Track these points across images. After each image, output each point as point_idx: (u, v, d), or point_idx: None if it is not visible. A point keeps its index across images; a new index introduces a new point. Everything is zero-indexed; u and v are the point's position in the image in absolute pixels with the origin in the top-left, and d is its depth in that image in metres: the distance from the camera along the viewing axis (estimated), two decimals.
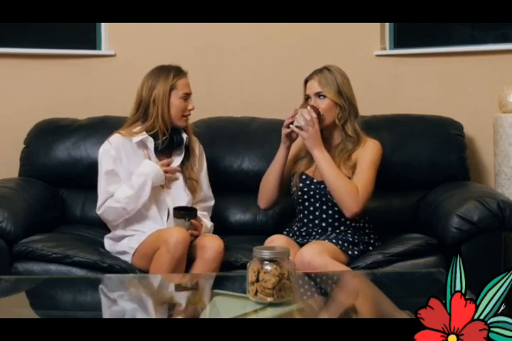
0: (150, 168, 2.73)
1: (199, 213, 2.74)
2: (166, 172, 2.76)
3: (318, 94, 2.73)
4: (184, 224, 2.62)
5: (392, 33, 3.61)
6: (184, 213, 2.64)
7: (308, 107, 2.67)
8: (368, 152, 2.73)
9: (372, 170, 2.70)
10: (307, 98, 2.77)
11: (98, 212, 2.79)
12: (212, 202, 2.95)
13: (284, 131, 2.72)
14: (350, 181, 2.65)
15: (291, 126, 2.68)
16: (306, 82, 2.79)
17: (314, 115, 2.65)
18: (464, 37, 3.62)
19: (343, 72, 2.78)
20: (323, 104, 2.72)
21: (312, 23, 3.23)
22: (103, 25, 3.58)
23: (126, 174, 2.76)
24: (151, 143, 2.76)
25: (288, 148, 2.77)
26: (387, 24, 3.59)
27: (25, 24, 3.40)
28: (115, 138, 2.79)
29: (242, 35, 3.53)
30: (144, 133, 2.76)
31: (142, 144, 2.78)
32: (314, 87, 2.74)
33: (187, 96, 2.80)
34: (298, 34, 3.52)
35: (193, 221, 2.65)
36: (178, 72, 2.80)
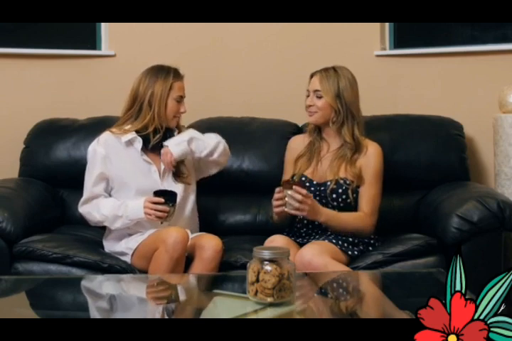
0: (136, 213, 2.68)
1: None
2: (148, 214, 2.64)
3: (316, 93, 2.74)
4: (168, 210, 2.61)
5: (392, 33, 3.60)
6: (166, 199, 2.61)
7: (294, 188, 2.53)
8: (372, 161, 2.75)
9: (379, 182, 2.76)
10: (308, 95, 2.78)
11: (79, 209, 2.80)
12: None
13: (277, 209, 2.60)
14: (356, 215, 2.70)
15: (286, 209, 2.57)
16: (311, 76, 2.80)
17: (304, 191, 2.54)
18: (464, 37, 3.61)
19: (352, 76, 2.77)
20: (318, 103, 2.74)
21: (312, 23, 3.22)
22: (103, 25, 3.58)
23: (116, 172, 2.76)
24: (138, 143, 2.76)
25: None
26: (387, 24, 3.59)
27: (26, 24, 3.40)
28: (104, 136, 2.80)
29: (243, 35, 3.52)
30: (134, 132, 2.76)
31: (131, 143, 2.79)
32: (315, 84, 2.76)
33: (180, 99, 2.78)
34: (298, 34, 3.52)
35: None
36: (176, 74, 2.79)
